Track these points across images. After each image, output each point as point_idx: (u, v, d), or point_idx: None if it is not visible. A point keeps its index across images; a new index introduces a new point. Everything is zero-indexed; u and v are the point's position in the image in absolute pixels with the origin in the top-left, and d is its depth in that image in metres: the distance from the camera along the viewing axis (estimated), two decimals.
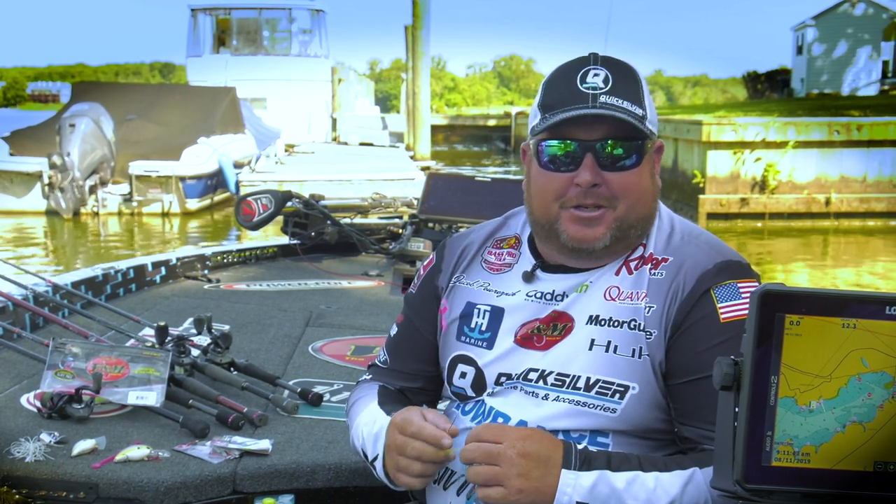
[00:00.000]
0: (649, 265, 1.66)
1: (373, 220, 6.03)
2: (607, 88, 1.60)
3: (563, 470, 1.47)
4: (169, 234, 15.68)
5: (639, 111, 1.61)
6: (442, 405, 1.89)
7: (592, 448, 1.58)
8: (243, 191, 16.39)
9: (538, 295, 1.69)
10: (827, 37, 40.75)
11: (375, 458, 1.72)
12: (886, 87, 36.47)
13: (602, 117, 1.59)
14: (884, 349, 1.03)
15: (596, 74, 1.61)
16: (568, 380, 1.61)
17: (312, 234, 5.43)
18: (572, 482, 1.47)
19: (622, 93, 1.61)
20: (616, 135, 1.61)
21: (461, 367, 1.73)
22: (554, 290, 1.68)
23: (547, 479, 1.47)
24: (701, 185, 15.21)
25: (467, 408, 1.73)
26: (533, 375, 1.65)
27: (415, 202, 6.07)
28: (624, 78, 1.62)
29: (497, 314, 1.72)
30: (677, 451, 1.62)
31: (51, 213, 15.96)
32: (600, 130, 1.60)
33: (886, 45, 40.03)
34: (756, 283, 1.61)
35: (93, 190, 16.00)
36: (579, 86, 1.61)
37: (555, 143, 1.64)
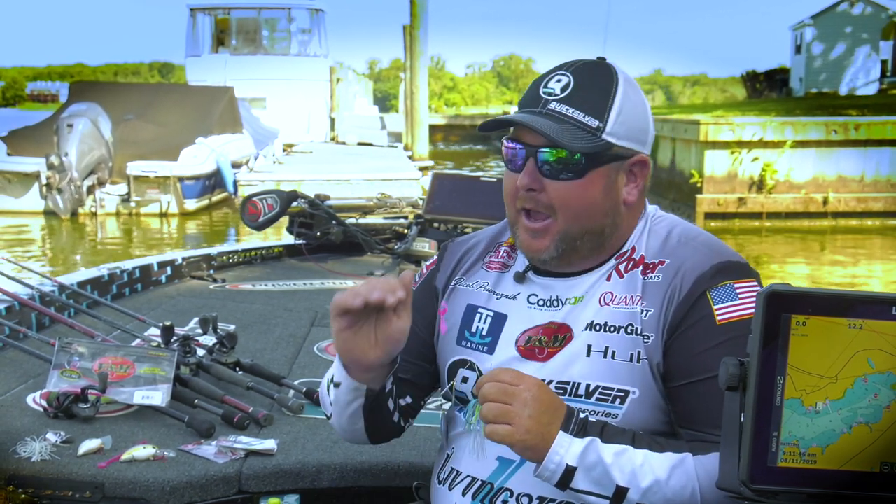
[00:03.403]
0: (640, 268, 1.65)
1: (378, 220, 6.04)
2: (562, 96, 1.61)
3: (561, 431, 1.49)
4: (167, 235, 15.67)
5: (593, 122, 1.60)
6: (446, 406, 1.90)
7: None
8: (241, 191, 16.39)
9: (539, 302, 1.69)
10: (826, 36, 40.71)
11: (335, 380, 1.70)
12: (885, 87, 36.46)
13: (542, 124, 1.59)
14: (890, 350, 1.03)
15: (558, 80, 1.63)
16: (568, 387, 1.61)
17: (318, 234, 5.44)
18: (566, 445, 1.48)
19: (577, 102, 1.61)
20: (556, 144, 1.60)
21: (463, 372, 1.73)
22: (550, 297, 1.69)
23: (551, 429, 1.48)
24: (698, 184, 15.21)
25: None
26: None
27: (420, 202, 6.07)
28: (589, 88, 1.62)
29: (498, 320, 1.72)
30: None
31: (48, 214, 15.92)
32: (542, 137, 1.61)
33: (885, 45, 40.01)
34: (754, 283, 1.61)
35: (91, 190, 15.96)
36: (539, 90, 1.64)
37: (509, 143, 1.67)
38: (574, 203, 1.63)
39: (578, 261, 1.67)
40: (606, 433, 1.51)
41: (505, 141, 1.68)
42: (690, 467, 1.49)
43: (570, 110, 1.60)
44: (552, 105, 1.61)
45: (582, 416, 1.53)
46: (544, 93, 1.63)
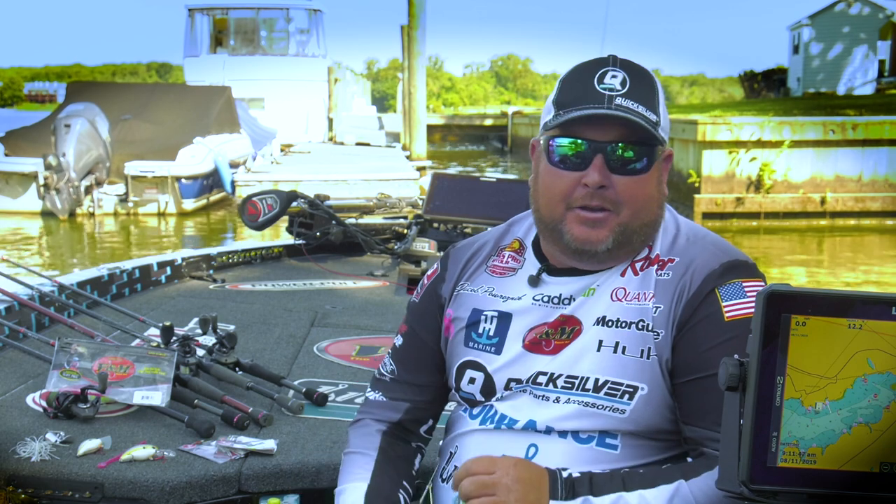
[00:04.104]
0: (655, 266, 1.66)
1: (378, 220, 6.05)
2: (624, 91, 1.60)
3: (551, 501, 1.48)
4: (165, 235, 15.66)
5: (653, 117, 1.61)
6: (448, 406, 1.91)
7: (583, 462, 1.59)
8: (239, 191, 16.38)
9: (545, 299, 1.69)
10: (823, 36, 40.73)
11: None
12: (882, 86, 36.49)
13: (616, 119, 1.58)
14: (889, 350, 1.02)
15: (614, 76, 1.61)
16: (577, 381, 1.62)
17: (318, 234, 5.44)
18: None
19: (638, 97, 1.60)
20: (628, 138, 1.60)
21: (470, 373, 1.73)
22: (561, 294, 1.68)
23: (541, 503, 1.48)
24: (696, 184, 15.22)
25: (475, 412, 1.73)
26: (542, 379, 1.65)
27: (419, 202, 6.08)
28: (641, 82, 1.62)
29: (504, 319, 1.71)
30: (682, 452, 1.64)
31: (46, 214, 15.89)
32: (613, 132, 1.60)
33: (882, 45, 40.06)
34: (761, 283, 1.62)
35: (88, 190, 15.94)
36: (596, 86, 1.60)
37: (566, 141, 1.63)
38: (639, 197, 1.63)
39: (624, 255, 1.67)
40: (596, 485, 1.51)
41: (556, 139, 1.64)
42: (687, 493, 1.49)
43: (636, 105, 1.60)
44: (618, 101, 1.59)
45: (565, 474, 1.53)
46: (604, 88, 1.60)
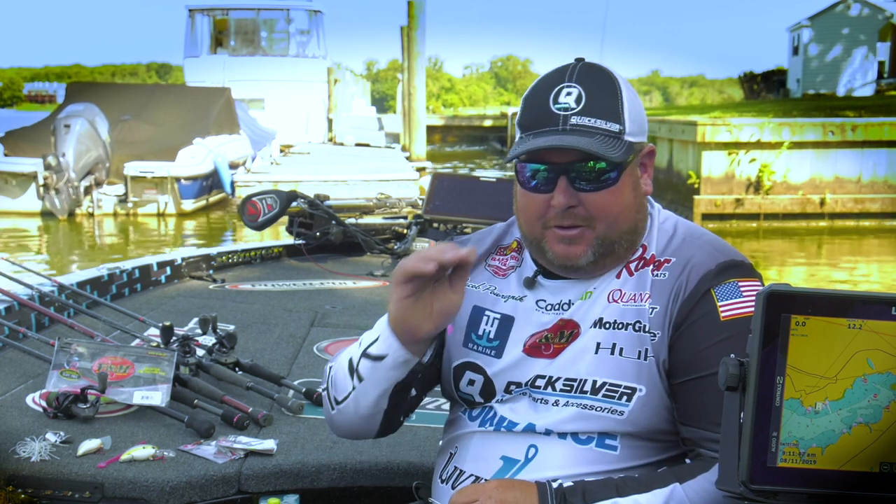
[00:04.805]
0: (651, 266, 1.66)
1: (377, 220, 6.06)
2: (579, 108, 1.58)
3: None
4: (164, 236, 15.66)
5: (615, 127, 1.59)
6: (446, 406, 1.91)
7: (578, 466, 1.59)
8: (239, 191, 16.38)
9: (546, 305, 1.69)
10: (823, 37, 40.71)
11: (376, 340, 1.66)
12: (882, 88, 36.50)
13: (570, 141, 1.57)
14: (889, 350, 1.02)
15: (569, 93, 1.59)
16: (575, 384, 1.62)
17: (317, 234, 5.45)
18: None
19: (595, 110, 1.59)
20: (588, 156, 1.59)
21: (469, 375, 1.73)
22: (560, 299, 1.69)
23: None
24: (696, 185, 15.23)
25: (474, 413, 1.74)
26: (541, 382, 1.65)
27: (419, 202, 6.09)
28: (599, 93, 1.60)
29: (506, 322, 1.71)
30: (681, 452, 1.64)
31: (46, 214, 15.91)
32: (572, 153, 1.59)
33: (882, 46, 40.03)
34: (758, 283, 1.62)
35: (88, 191, 15.96)
36: (551, 106, 1.59)
37: (530, 165, 1.63)
38: (612, 209, 1.62)
39: (612, 263, 1.67)
40: (589, 492, 1.51)
41: (524, 164, 1.64)
42: (681, 496, 1.50)
43: (593, 121, 1.58)
44: (574, 120, 1.58)
45: (555, 484, 1.53)
46: (559, 109, 1.59)
